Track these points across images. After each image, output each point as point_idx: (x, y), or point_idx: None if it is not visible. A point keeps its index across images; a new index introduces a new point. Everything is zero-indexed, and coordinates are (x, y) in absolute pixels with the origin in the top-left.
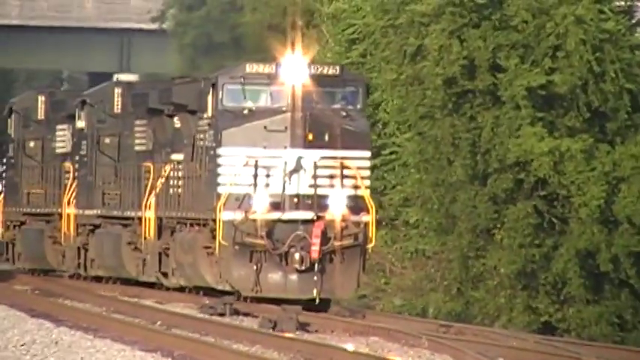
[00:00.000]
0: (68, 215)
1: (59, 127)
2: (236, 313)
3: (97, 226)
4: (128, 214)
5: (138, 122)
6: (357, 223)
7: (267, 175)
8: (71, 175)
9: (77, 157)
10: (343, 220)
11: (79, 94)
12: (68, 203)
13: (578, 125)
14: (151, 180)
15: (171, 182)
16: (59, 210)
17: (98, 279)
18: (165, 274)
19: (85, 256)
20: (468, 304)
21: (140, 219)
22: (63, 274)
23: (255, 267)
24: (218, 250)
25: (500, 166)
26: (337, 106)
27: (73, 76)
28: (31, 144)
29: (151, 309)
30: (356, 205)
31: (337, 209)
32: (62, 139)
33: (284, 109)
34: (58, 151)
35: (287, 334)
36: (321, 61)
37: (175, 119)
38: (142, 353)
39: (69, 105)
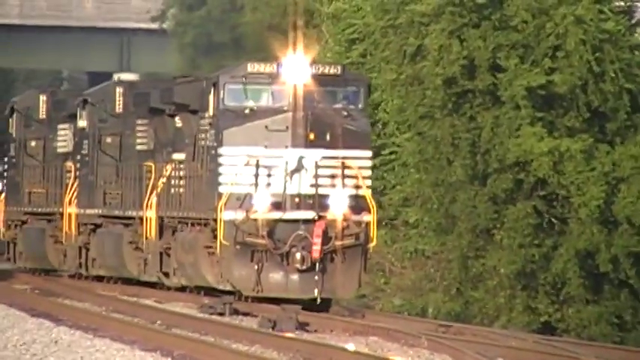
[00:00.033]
0: (69, 215)
1: (60, 126)
2: (235, 312)
3: (98, 226)
4: (129, 213)
5: (139, 122)
6: (359, 223)
7: (269, 175)
8: (72, 174)
9: (78, 157)
10: (344, 219)
11: (81, 94)
12: (69, 203)
13: (577, 125)
14: (152, 179)
15: (172, 182)
16: (60, 209)
17: (99, 278)
18: (166, 274)
19: (87, 255)
20: (467, 304)
21: (141, 218)
22: (63, 274)
23: (256, 267)
24: (219, 249)
25: (499, 166)
26: (339, 105)
27: (73, 75)
28: (33, 143)
29: (151, 308)
30: (357, 204)
31: (338, 209)
32: (64, 138)
33: (285, 108)
34: (60, 150)
35: (286, 334)
36: (322, 60)
37: (177, 119)
38: (141, 353)
39: (70, 104)
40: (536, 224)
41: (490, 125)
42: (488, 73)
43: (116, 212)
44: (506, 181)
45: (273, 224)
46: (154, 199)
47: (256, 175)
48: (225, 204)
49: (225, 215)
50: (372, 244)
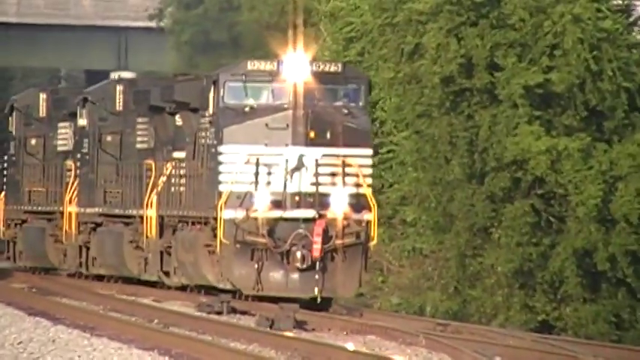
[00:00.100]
0: (70, 213)
1: (61, 124)
2: (233, 311)
3: (98, 225)
4: (130, 212)
5: (140, 120)
6: (359, 222)
7: (269, 173)
8: (73, 173)
9: (79, 155)
10: (345, 218)
11: (81, 92)
12: (70, 201)
13: (575, 124)
14: (152, 178)
15: (172, 180)
16: (61, 208)
17: (99, 278)
18: (167, 273)
19: (87, 254)
20: (465, 303)
21: (142, 217)
22: (61, 273)
23: (256, 265)
24: (219, 248)
25: (497, 164)
26: (339, 103)
27: (71, 74)
28: (33, 142)
29: (148, 307)
30: (358, 203)
31: (339, 207)
32: (64, 136)
33: (286, 106)
34: (60, 149)
35: (284, 333)
36: (321, 58)
37: (177, 117)
38: (139, 351)
39: (70, 103)
40: (533, 223)
41: (488, 124)
42: (485, 72)
43: (116, 211)
44: (504, 180)
45: (273, 223)
46: (154, 197)
47: (256, 174)
48: (225, 202)
49: (226, 214)
50: (372, 243)
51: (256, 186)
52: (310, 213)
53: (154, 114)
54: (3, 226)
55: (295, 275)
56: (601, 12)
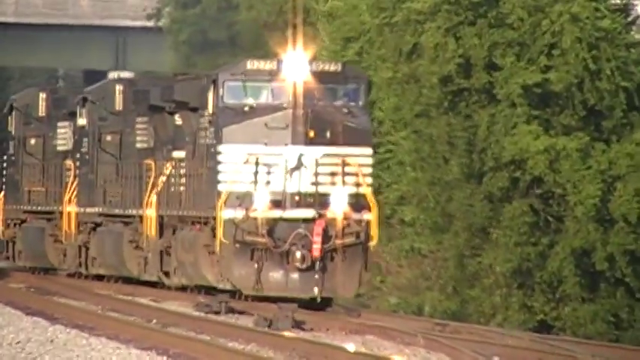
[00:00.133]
0: (69, 213)
1: (60, 124)
2: (231, 311)
3: (98, 225)
4: (130, 212)
5: (139, 119)
6: (359, 221)
7: (268, 173)
8: (72, 172)
9: (78, 155)
10: (345, 218)
11: (81, 91)
12: (69, 201)
13: (573, 123)
14: (152, 178)
15: (172, 180)
16: (60, 208)
17: (98, 278)
18: (166, 273)
19: (87, 254)
20: (463, 303)
21: (141, 217)
22: (60, 273)
23: (256, 265)
24: (219, 248)
25: (495, 164)
26: (339, 102)
27: (69, 73)
28: (32, 141)
29: (147, 307)
30: (358, 202)
31: (339, 207)
32: (63, 136)
33: (285, 105)
34: (59, 148)
35: (282, 333)
36: (318, 58)
37: (177, 116)
38: (137, 351)
39: (70, 102)
40: (532, 222)
41: (486, 123)
42: (484, 72)
43: (116, 211)
44: (502, 180)
45: (273, 223)
46: (154, 197)
47: (256, 173)
48: (224, 202)
49: (225, 214)
50: (372, 243)
51: (256, 186)
52: (310, 213)
53: (154, 113)
54: (2, 225)
55: (295, 275)
56: (599, 11)
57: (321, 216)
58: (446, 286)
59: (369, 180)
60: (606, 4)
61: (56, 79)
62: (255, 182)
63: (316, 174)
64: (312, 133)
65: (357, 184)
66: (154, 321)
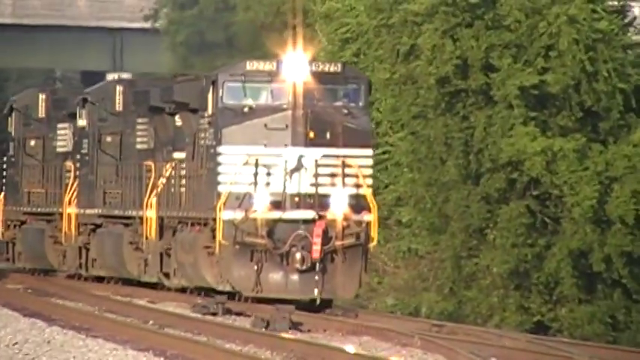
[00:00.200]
0: (69, 215)
1: (60, 125)
2: (228, 312)
3: (98, 226)
4: (129, 213)
5: (139, 120)
6: (359, 222)
7: (268, 174)
8: (72, 174)
9: (78, 156)
10: (345, 219)
11: (81, 92)
12: (69, 202)
13: (570, 125)
14: (152, 179)
15: (172, 181)
16: (60, 209)
17: (98, 279)
18: (166, 275)
19: (87, 255)
20: (460, 304)
21: (141, 218)
22: (60, 274)
23: (255, 267)
24: (218, 249)
25: (492, 165)
26: (339, 103)
27: (66, 74)
28: (32, 142)
29: (144, 308)
30: (357, 204)
31: (339, 208)
32: (63, 137)
33: (285, 106)
34: (59, 149)
35: (280, 334)
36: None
37: (177, 117)
38: (134, 352)
39: (70, 103)
40: (529, 224)
41: (483, 125)
42: (481, 73)
43: (116, 212)
44: (499, 181)
45: (272, 224)
46: (154, 198)
47: (256, 174)
48: (224, 203)
49: (225, 215)
50: (372, 244)
51: (255, 187)
52: (310, 214)
53: (154, 114)
54: (2, 227)
55: (295, 277)
56: (596, 13)
57: (321, 217)
58: (443, 287)
59: (370, 181)
60: (603, 6)
61: (53, 80)
62: (255, 183)
63: (316, 175)
64: (311, 134)
65: (357, 185)
66: (151, 322)
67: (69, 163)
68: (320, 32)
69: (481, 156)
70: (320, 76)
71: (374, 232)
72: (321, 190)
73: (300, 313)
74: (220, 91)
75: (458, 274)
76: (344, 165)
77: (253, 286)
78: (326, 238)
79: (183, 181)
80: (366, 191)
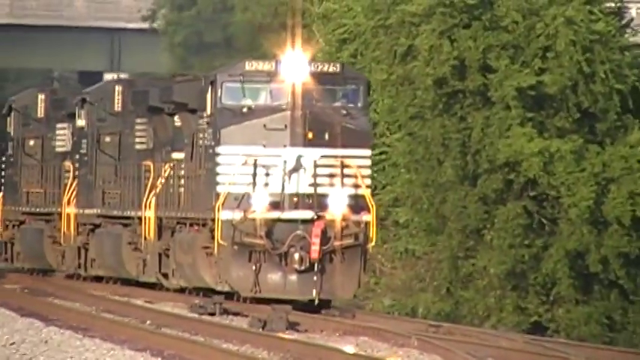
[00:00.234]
0: (68, 215)
1: (59, 125)
2: (226, 312)
3: (97, 226)
4: (128, 213)
5: (138, 121)
6: (358, 223)
7: (267, 174)
8: (71, 174)
9: (77, 156)
10: (343, 219)
11: (80, 92)
12: (68, 202)
13: (567, 126)
14: (151, 179)
15: (171, 182)
16: (59, 209)
17: (97, 279)
18: (165, 275)
19: (85, 256)
20: (457, 304)
21: (140, 219)
22: (57, 274)
23: (254, 267)
24: (217, 250)
25: (490, 166)
26: (338, 104)
27: (64, 75)
28: (31, 142)
29: (141, 308)
30: (356, 204)
31: (337, 208)
32: (62, 137)
33: (284, 107)
34: (58, 149)
35: (277, 334)
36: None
37: (176, 118)
38: (131, 352)
39: (69, 103)
40: (526, 224)
41: (480, 126)
42: (478, 74)
43: (115, 212)
44: (497, 182)
45: (271, 224)
46: (152, 199)
47: (254, 175)
48: (222, 204)
49: (223, 215)
50: (371, 244)
51: (254, 187)
52: (308, 214)
53: (153, 115)
54: (1, 227)
55: (293, 277)
56: (593, 14)
57: (319, 217)
58: (440, 287)
59: (368, 181)
60: (600, 7)
61: (51, 80)
62: (254, 184)
63: (315, 175)
64: (310, 135)
65: (356, 186)
66: (149, 322)
67: (68, 163)
68: (317, 33)
69: (478, 157)
70: (319, 77)
71: (373, 233)
72: (320, 191)
73: (297, 313)
74: (219, 91)
75: (455, 274)
76: (343, 165)
77: (252, 287)
78: (325, 238)
79: (182, 182)
80: (365, 191)
